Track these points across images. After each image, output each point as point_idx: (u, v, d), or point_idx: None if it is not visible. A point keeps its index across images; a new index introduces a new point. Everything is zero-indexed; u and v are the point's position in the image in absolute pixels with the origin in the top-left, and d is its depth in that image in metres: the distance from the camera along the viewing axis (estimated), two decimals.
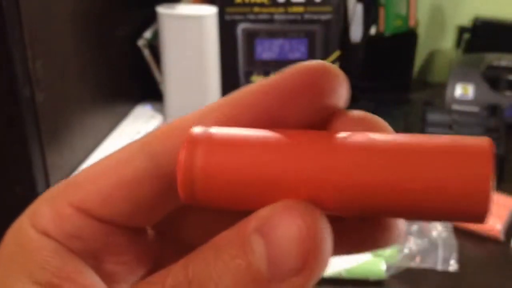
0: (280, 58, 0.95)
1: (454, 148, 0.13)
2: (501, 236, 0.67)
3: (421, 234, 0.67)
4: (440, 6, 1.11)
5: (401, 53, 1.06)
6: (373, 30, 1.02)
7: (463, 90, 0.94)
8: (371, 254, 0.62)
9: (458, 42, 1.08)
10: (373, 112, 0.15)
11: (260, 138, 0.14)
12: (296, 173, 0.13)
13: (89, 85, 0.76)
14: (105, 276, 0.17)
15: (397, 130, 0.15)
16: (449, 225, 0.68)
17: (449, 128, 0.84)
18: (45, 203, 0.17)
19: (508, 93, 0.93)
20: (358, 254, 0.17)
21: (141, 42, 0.89)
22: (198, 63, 0.85)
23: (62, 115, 0.69)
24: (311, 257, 0.13)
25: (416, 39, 1.04)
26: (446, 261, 0.64)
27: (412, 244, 0.65)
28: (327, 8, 0.93)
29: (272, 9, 0.93)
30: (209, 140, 0.14)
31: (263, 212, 0.13)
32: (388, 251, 0.63)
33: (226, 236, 0.14)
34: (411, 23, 1.03)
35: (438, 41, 1.14)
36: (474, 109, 0.91)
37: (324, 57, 0.96)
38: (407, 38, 1.04)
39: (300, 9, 0.93)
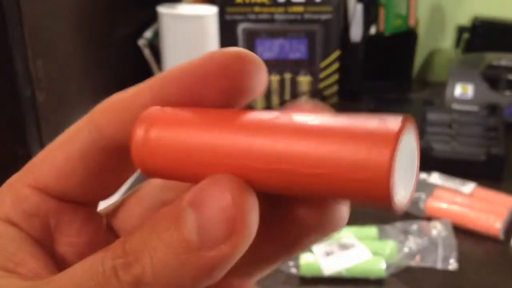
0: (280, 57, 0.95)
1: (361, 130, 0.13)
2: (501, 235, 0.67)
3: (421, 233, 0.67)
4: (440, 6, 1.11)
5: (401, 52, 1.06)
6: (373, 30, 1.02)
7: (462, 90, 0.94)
8: (371, 254, 0.63)
9: (458, 42, 1.09)
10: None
11: (200, 118, 0.15)
12: (223, 150, 0.15)
13: (90, 84, 0.76)
14: (59, 260, 0.17)
15: None
16: (449, 224, 0.68)
17: (449, 127, 0.84)
18: (5, 189, 0.17)
19: (507, 92, 0.93)
20: (306, 244, 0.17)
21: (141, 42, 0.89)
22: None
23: (62, 114, 0.69)
24: (237, 225, 0.14)
25: (416, 38, 1.05)
26: (446, 260, 0.64)
27: (412, 243, 0.65)
28: (327, 8, 0.93)
29: (273, 9, 0.93)
30: (159, 118, 0.16)
31: (195, 186, 0.14)
32: (388, 250, 0.63)
33: (162, 212, 0.15)
34: (411, 23, 1.03)
35: (438, 41, 1.14)
36: (474, 108, 0.91)
37: (324, 57, 0.96)
38: (407, 38, 1.04)
39: (300, 9, 0.93)
